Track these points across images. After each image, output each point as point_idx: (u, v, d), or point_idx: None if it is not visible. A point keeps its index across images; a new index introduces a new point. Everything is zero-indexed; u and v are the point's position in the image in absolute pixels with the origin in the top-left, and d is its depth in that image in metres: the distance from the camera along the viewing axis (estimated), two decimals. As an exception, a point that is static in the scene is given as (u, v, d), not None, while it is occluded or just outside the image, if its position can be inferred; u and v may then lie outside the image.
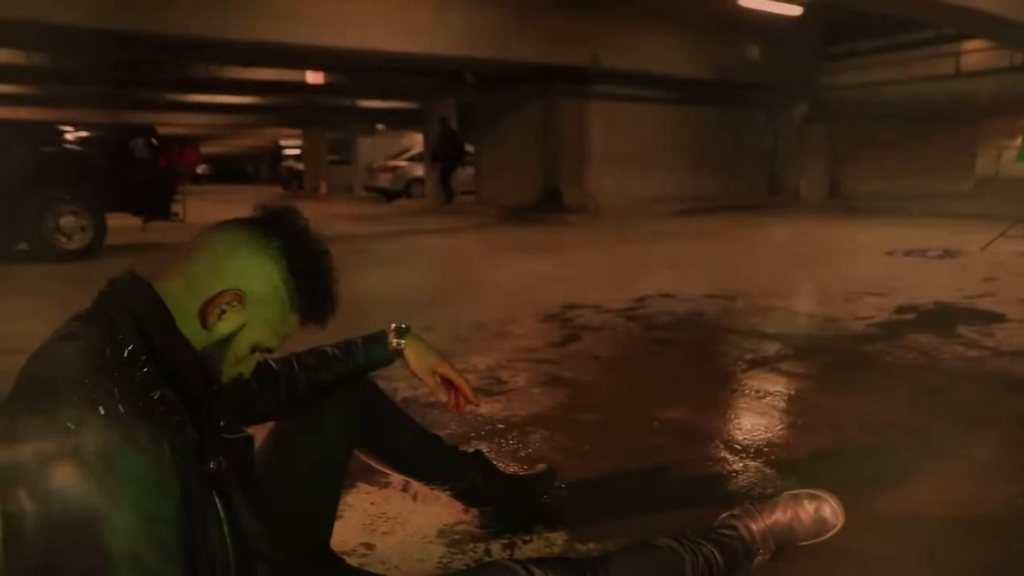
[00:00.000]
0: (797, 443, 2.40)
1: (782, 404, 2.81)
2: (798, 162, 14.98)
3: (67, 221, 7.44)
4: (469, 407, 1.60)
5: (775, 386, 3.02)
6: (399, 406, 1.70)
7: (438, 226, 10.68)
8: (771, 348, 3.62)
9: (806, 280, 5.54)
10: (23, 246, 7.64)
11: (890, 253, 6.99)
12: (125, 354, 0.97)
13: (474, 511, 1.82)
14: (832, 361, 3.43)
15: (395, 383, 2.86)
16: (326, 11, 9.12)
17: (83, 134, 7.93)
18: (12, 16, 7.47)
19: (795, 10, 10.42)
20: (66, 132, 7.86)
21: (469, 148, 16.36)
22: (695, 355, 3.58)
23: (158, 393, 0.96)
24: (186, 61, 12.61)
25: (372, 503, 2.00)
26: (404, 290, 5.53)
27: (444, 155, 14.11)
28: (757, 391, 2.95)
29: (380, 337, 1.54)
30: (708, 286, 5.32)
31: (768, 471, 2.18)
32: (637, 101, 12.70)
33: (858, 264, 6.48)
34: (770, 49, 13.59)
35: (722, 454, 2.32)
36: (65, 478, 0.87)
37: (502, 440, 2.46)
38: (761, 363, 3.36)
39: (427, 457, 1.71)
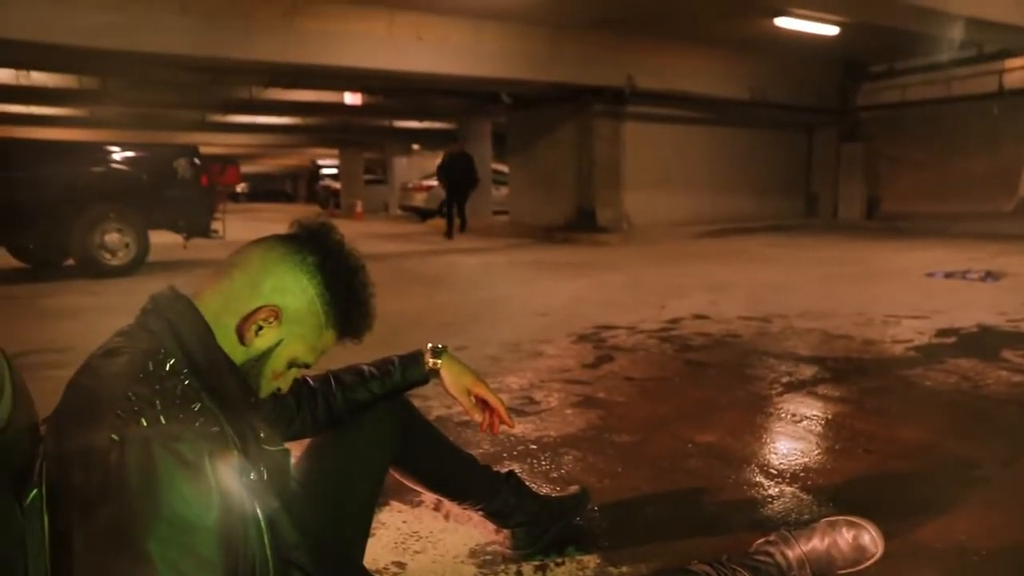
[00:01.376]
0: (834, 468, 2.37)
1: (819, 428, 2.77)
2: (835, 182, 14.81)
3: (112, 238, 7.64)
4: (503, 427, 1.61)
5: (811, 410, 2.98)
6: (433, 425, 1.72)
7: (471, 245, 10.74)
8: (807, 371, 3.58)
9: (843, 302, 5.46)
10: (70, 262, 7.86)
11: (930, 275, 6.87)
12: (167, 367, 1.00)
13: (506, 532, 1.83)
14: (870, 385, 3.37)
15: (429, 401, 2.88)
16: (366, 35, 9.32)
17: (129, 154, 8.14)
18: (69, 42, 7.78)
19: (831, 30, 10.36)
20: (114, 152, 8.08)
21: (503, 168, 16.46)
22: (730, 377, 3.55)
23: (199, 405, 0.99)
24: (230, 83, 12.93)
25: (404, 522, 2.01)
26: (438, 309, 5.57)
27: (456, 178, 12.52)
28: (793, 415, 2.92)
29: (416, 357, 1.56)
30: (743, 307, 5.28)
31: (805, 497, 2.15)
32: (671, 121, 12.69)
33: (896, 286, 6.37)
34: (806, 69, 13.50)
35: (758, 478, 2.29)
36: (109, 489, 0.89)
37: (535, 461, 2.46)
38: (797, 386, 3.32)
39: (460, 476, 1.72)
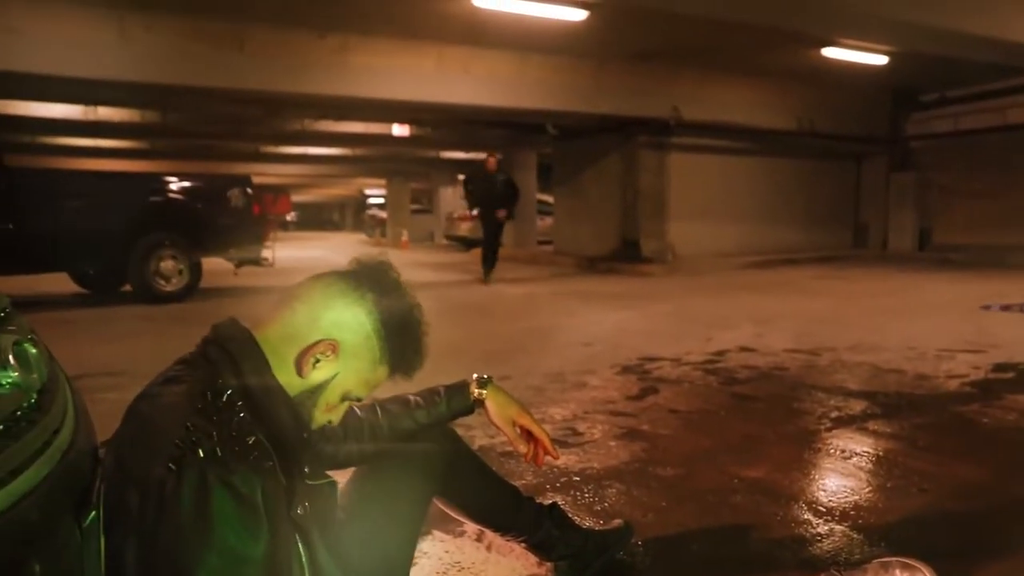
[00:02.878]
0: (886, 507, 2.31)
1: (870, 465, 2.71)
2: (884, 212, 14.53)
3: (167, 265, 7.88)
4: (547, 459, 1.61)
5: (862, 446, 2.91)
6: (478, 455, 1.73)
7: (515, 275, 10.78)
8: (857, 406, 3.50)
9: (894, 335, 5.34)
10: (127, 287, 8.11)
11: (985, 308, 6.68)
12: (224, 399, 1.04)
13: (549, 565, 1.82)
14: (923, 422, 3.28)
15: (472, 431, 2.89)
16: (415, 69, 9.55)
17: (185, 184, 8.41)
18: (135, 79, 8.17)
19: (880, 59, 10.24)
20: (171, 183, 8.36)
21: (547, 198, 16.53)
22: (777, 411, 3.49)
23: (253, 438, 1.02)
24: (283, 116, 13.31)
25: (446, 551, 2.02)
26: (482, 338, 5.60)
27: (495, 205, 9.71)
28: (843, 451, 2.86)
29: (462, 387, 1.57)
30: (790, 340, 5.19)
31: (855, 536, 2.10)
32: (717, 152, 12.64)
33: (950, 319, 6.21)
34: (854, 98, 13.34)
35: (806, 516, 2.25)
36: (164, 516, 0.92)
37: (578, 493, 2.45)
38: (847, 421, 3.25)
39: (503, 508, 1.72)
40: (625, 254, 12.41)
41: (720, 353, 4.79)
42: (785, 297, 8.01)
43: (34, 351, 1.03)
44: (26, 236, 7.11)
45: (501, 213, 9.67)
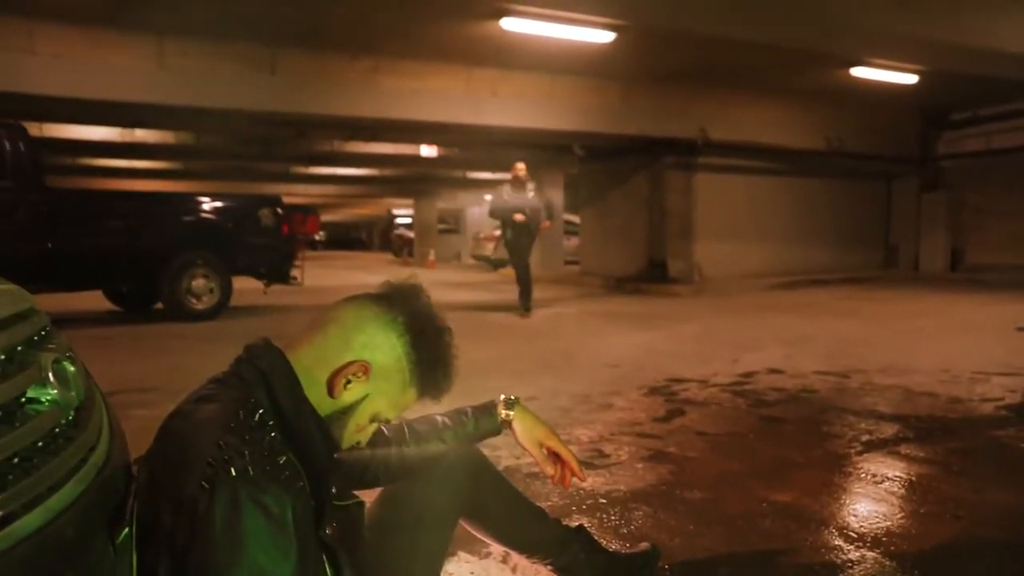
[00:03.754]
0: (920, 533, 2.27)
1: (902, 490, 2.66)
2: (915, 233, 14.34)
3: (198, 283, 8.01)
4: (574, 481, 1.61)
5: (894, 471, 2.86)
6: (504, 476, 1.73)
7: (542, 295, 10.79)
8: (889, 430, 3.44)
9: (926, 357, 5.25)
10: (159, 305, 8.25)
11: (1020, 329, 6.54)
12: (256, 418, 1.05)
13: (575, 587, 1.81)
14: (957, 446, 3.22)
15: (498, 451, 2.88)
16: (444, 90, 9.67)
17: (217, 204, 8.55)
18: (171, 102, 8.40)
19: (910, 78, 10.16)
20: (203, 203, 8.51)
21: (574, 218, 16.55)
22: (806, 434, 3.45)
23: (284, 458, 1.03)
24: (313, 137, 13.52)
25: (472, 573, 2.01)
26: (509, 358, 5.60)
27: (527, 224, 8.20)
28: (874, 475, 2.81)
29: (489, 408, 1.58)
30: (819, 362, 5.13)
31: (887, 563, 2.06)
32: (744, 172, 12.58)
33: (984, 341, 6.09)
34: (884, 117, 13.23)
35: (836, 542, 2.21)
36: (195, 534, 0.94)
37: (604, 515, 2.43)
38: (878, 445, 3.20)
39: (530, 529, 1.72)
40: (652, 274, 12.37)
41: (748, 375, 4.74)
42: (814, 318, 7.92)
43: (72, 369, 1.05)
44: (64, 255, 7.27)
45: (545, 224, 8.53)
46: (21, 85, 7.61)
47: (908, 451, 3.12)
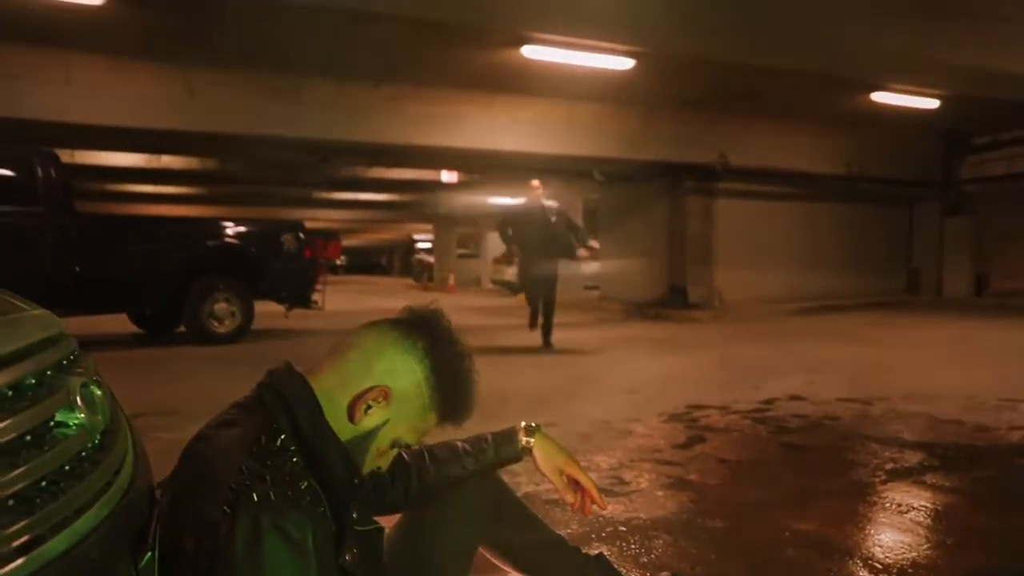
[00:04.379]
0: (947, 565, 2.22)
1: (928, 520, 2.61)
2: (938, 257, 14.19)
3: (220, 307, 8.09)
4: (594, 508, 1.60)
5: (919, 500, 2.81)
6: (524, 503, 1.72)
7: (562, 320, 10.76)
8: (913, 458, 3.39)
9: (951, 384, 5.17)
10: (181, 328, 8.34)
11: (1051, 358, 6.44)
12: (278, 443, 1.07)
13: (594, 616, 1.79)
14: (984, 475, 3.16)
15: (517, 478, 2.87)
16: (466, 117, 9.80)
17: (241, 229, 8.66)
18: (200, 128, 8.60)
19: (931, 103, 10.12)
20: (227, 227, 8.62)
21: (594, 244, 16.53)
22: (829, 462, 3.40)
23: (306, 483, 1.04)
24: (336, 163, 13.70)
25: (492, 600, 2.00)
26: (529, 384, 5.59)
27: (548, 248, 7.31)
28: (899, 504, 2.76)
29: (510, 435, 1.57)
30: (841, 388, 5.07)
31: (912, 595, 2.03)
32: (765, 197, 12.55)
33: (1010, 367, 5.99)
34: (905, 142, 13.16)
35: (861, 573, 2.18)
36: (217, 558, 0.95)
37: (624, 544, 2.41)
38: (903, 474, 3.15)
39: (549, 557, 1.71)
40: (672, 300, 12.32)
41: (769, 401, 4.70)
42: (836, 344, 7.84)
43: (99, 393, 1.07)
44: (91, 278, 7.39)
45: (583, 252, 7.57)
46: (57, 114, 7.84)
47: (934, 480, 3.07)
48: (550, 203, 7.53)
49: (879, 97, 9.79)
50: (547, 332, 7.53)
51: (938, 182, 13.99)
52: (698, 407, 4.53)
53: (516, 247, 7.73)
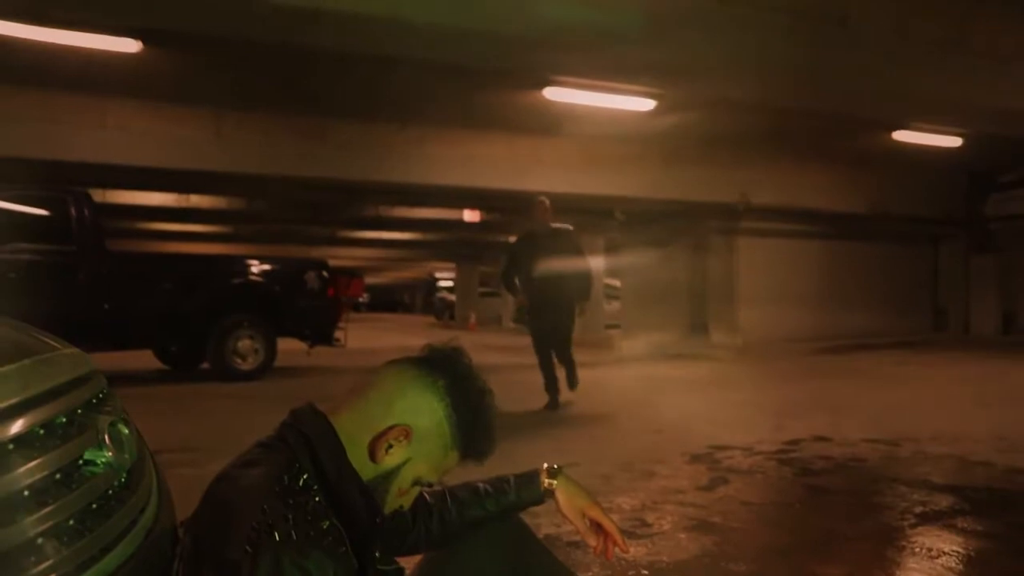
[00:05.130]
0: (978, 614, 2.16)
1: (960, 566, 2.55)
2: (965, 296, 14.01)
3: (244, 344, 8.16)
4: (617, 551, 1.58)
5: (950, 545, 2.75)
6: (546, 546, 1.71)
7: (581, 359, 10.72)
8: (943, 501, 3.32)
9: (981, 425, 5.07)
10: (205, 365, 8.42)
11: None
12: (300, 483, 1.08)
13: (616, 661, 1.76)
14: (1018, 520, 3.08)
15: (538, 519, 2.85)
16: (488, 157, 9.94)
17: (265, 267, 8.77)
18: (229, 170, 8.81)
19: (954, 141, 10.09)
20: (251, 265, 8.74)
21: (615, 282, 16.54)
22: (856, 505, 3.34)
23: (328, 523, 1.05)
24: (360, 202, 13.89)
25: (512, 643, 1.97)
26: (550, 423, 5.56)
27: (559, 279, 5.92)
28: (929, 549, 2.70)
29: (532, 477, 1.56)
30: (867, 429, 4.99)
31: (944, 644, 1.97)
32: (788, 236, 12.51)
33: (1045, 410, 5.87)
34: (928, 180, 13.10)
35: (889, 620, 2.12)
36: None
37: (646, 586, 2.38)
38: (932, 518, 3.08)
39: (570, 599, 1.69)
40: (694, 339, 12.24)
41: (794, 442, 4.63)
42: (861, 384, 7.73)
43: (126, 431, 1.09)
44: (120, 315, 7.51)
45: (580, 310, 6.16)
46: (92, 156, 8.10)
47: (964, 524, 3.00)
48: (563, 227, 6.16)
49: (902, 136, 9.78)
50: (563, 382, 6.15)
51: (962, 220, 13.88)
52: (721, 448, 4.48)
53: (520, 280, 6.11)
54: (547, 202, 6.09)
